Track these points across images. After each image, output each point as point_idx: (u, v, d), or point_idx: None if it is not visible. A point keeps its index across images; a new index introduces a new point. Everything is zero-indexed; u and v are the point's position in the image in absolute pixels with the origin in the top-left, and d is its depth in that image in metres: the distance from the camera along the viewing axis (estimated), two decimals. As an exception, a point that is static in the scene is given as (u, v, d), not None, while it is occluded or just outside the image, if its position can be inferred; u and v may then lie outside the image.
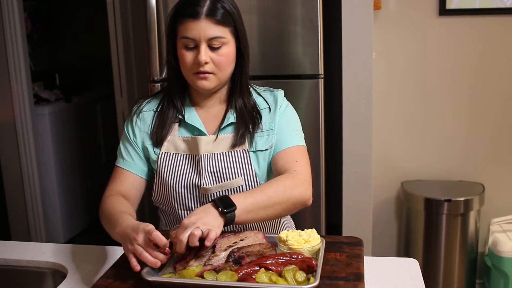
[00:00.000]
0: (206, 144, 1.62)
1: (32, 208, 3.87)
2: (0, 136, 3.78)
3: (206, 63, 1.55)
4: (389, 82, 3.16)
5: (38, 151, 3.91)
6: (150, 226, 1.34)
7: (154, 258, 1.32)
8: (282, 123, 1.68)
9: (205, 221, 1.36)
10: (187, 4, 1.56)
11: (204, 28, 1.54)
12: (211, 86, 1.60)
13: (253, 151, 1.64)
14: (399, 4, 3.06)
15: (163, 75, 2.62)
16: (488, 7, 2.99)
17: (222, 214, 1.40)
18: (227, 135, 1.64)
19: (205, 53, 1.55)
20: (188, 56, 1.57)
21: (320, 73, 2.53)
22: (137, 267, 1.32)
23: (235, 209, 1.42)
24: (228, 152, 1.62)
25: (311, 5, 2.48)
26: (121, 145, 1.73)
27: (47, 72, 4.71)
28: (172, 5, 2.51)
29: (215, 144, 1.63)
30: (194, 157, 1.63)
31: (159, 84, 2.62)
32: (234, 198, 1.44)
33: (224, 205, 1.41)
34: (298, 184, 1.56)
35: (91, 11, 4.77)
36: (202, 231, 1.32)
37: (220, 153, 1.62)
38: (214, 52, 1.56)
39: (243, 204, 1.45)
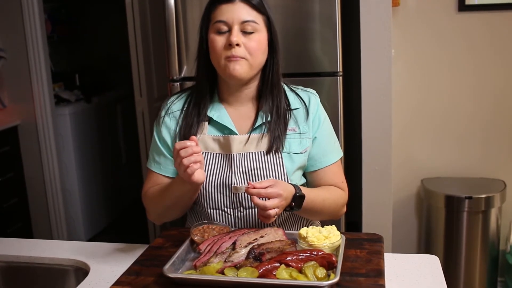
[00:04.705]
0: (239, 144, 1.62)
1: (53, 208, 3.91)
2: (22, 137, 3.83)
3: (237, 45, 1.54)
4: (408, 79, 3.14)
5: (59, 151, 3.95)
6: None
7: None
8: (323, 135, 1.70)
9: (283, 204, 1.48)
10: None
11: (238, 10, 1.55)
12: (242, 71, 1.57)
13: (286, 152, 1.64)
14: (417, 1, 3.04)
15: (182, 74, 2.64)
16: (509, 1, 2.96)
17: (289, 206, 1.52)
18: (259, 135, 1.63)
19: (237, 35, 1.54)
20: (219, 40, 1.57)
21: (338, 70, 2.53)
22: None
23: (298, 210, 1.55)
24: (261, 152, 1.62)
25: (329, 2, 2.47)
26: (151, 147, 1.74)
27: (67, 73, 4.76)
28: (190, 5, 2.56)
29: (248, 144, 1.62)
30: (225, 156, 1.63)
31: (178, 84, 2.63)
32: (306, 194, 1.56)
33: (298, 204, 1.54)
34: (344, 205, 1.75)
35: (110, 12, 4.82)
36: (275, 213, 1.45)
37: (252, 153, 1.62)
38: (246, 37, 1.56)
39: (304, 205, 1.56)
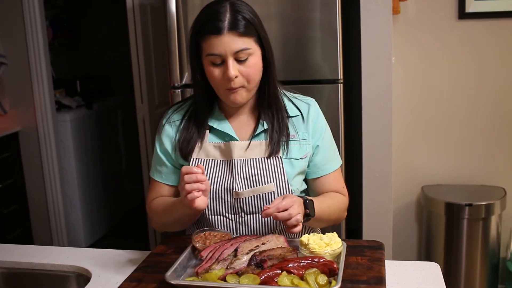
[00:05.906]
0: (240, 150, 1.64)
1: (54, 214, 3.92)
2: (23, 143, 3.84)
3: (235, 77, 1.55)
4: (409, 86, 3.15)
5: (60, 157, 3.96)
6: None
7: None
8: (325, 143, 1.73)
9: (301, 209, 1.51)
10: (208, 20, 1.55)
11: (229, 42, 1.53)
12: (243, 100, 1.61)
13: (286, 158, 1.65)
14: (418, 8, 3.05)
15: (183, 81, 2.65)
16: (508, 10, 2.97)
17: (305, 215, 1.54)
18: (260, 142, 1.65)
19: (233, 68, 1.54)
20: (217, 72, 1.57)
21: (339, 78, 2.54)
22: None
23: (311, 218, 1.57)
24: (261, 158, 1.64)
25: (330, 10, 2.48)
26: (153, 156, 1.76)
27: (69, 79, 4.77)
28: (192, 12, 2.57)
29: (249, 150, 1.64)
30: (226, 162, 1.65)
31: (179, 91, 2.64)
32: (315, 206, 1.58)
33: (311, 209, 1.56)
34: (346, 210, 1.79)
35: (112, 18, 4.83)
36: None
37: (253, 159, 1.64)
38: (242, 65, 1.56)
39: (315, 214, 1.59)
